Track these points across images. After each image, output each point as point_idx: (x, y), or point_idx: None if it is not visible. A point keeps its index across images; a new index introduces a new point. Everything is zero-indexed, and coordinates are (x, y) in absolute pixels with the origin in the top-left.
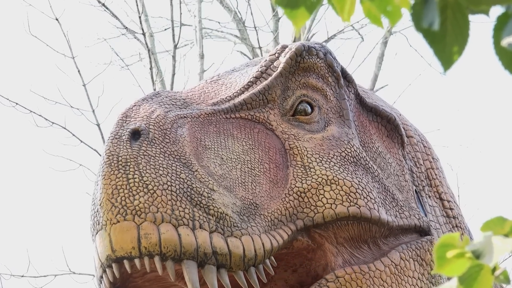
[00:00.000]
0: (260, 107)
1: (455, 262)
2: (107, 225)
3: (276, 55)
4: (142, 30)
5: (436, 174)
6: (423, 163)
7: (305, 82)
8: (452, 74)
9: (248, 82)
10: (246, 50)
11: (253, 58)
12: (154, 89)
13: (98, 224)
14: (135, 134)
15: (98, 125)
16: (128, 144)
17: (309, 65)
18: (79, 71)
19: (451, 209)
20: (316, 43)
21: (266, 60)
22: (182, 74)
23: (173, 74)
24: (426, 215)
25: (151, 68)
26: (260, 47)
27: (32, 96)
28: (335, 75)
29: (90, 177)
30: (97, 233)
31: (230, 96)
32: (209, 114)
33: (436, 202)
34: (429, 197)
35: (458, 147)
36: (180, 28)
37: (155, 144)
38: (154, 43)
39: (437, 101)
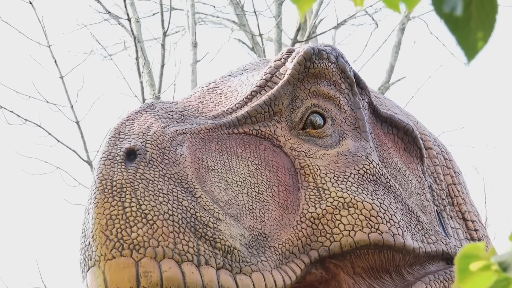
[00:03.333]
0: (265, 120)
1: (479, 275)
2: (101, 261)
3: (282, 60)
4: (127, 15)
5: (458, 191)
6: (444, 178)
7: (316, 90)
8: (478, 65)
9: (251, 91)
10: (245, 37)
11: (252, 47)
12: (141, 82)
13: (90, 260)
14: (130, 154)
15: (77, 122)
16: (123, 166)
17: (320, 71)
18: (55, 61)
19: (475, 230)
20: (326, 45)
21: (270, 67)
22: (172, 64)
23: (162, 65)
24: (448, 239)
25: (137, 58)
26: (260, 34)
27: (3, 90)
28: (348, 81)
29: (68, 181)
30: (88, 270)
31: (231, 108)
32: (210, 130)
33: (459, 223)
34: (451, 217)
35: (485, 147)
36: (170, 12)
37: (153, 166)
38: (141, 29)
39: (461, 96)
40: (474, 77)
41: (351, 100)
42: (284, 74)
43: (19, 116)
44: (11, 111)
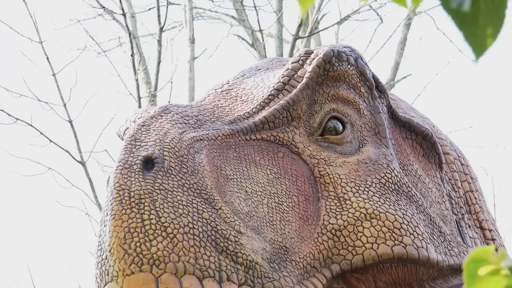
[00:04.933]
0: (283, 125)
1: (488, 280)
2: (119, 277)
3: (300, 62)
4: (122, 10)
5: (476, 198)
6: (461, 185)
7: (335, 94)
8: (487, 62)
9: (269, 95)
10: (244, 33)
11: (252, 43)
12: (136, 80)
13: (108, 275)
14: (148, 163)
15: (70, 121)
16: (140, 176)
17: (339, 74)
18: (48, 58)
19: (493, 240)
20: (344, 46)
21: (288, 69)
22: (169, 61)
23: (159, 62)
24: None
25: (132, 55)
26: (261, 30)
27: None
28: (368, 84)
29: (60, 183)
30: (105, 285)
31: (248, 113)
32: (227, 136)
33: (476, 233)
34: (469, 226)
35: (494, 147)
36: (167, 7)
37: (172, 175)
38: (136, 25)
39: (469, 94)
40: (482, 75)
41: (371, 104)
42: (303, 77)
43: (9, 115)
44: (2, 110)
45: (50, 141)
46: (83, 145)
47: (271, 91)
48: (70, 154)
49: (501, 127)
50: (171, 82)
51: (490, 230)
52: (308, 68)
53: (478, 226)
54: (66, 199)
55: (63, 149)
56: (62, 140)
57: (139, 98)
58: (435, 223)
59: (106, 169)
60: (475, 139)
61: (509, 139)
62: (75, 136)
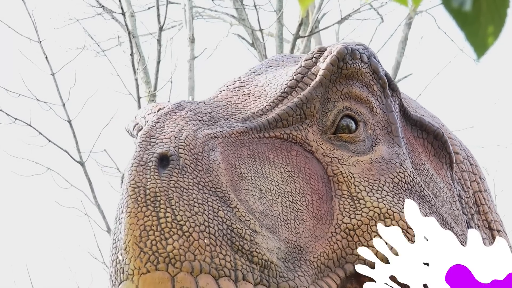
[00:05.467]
0: (296, 123)
1: None
2: (135, 275)
3: (313, 59)
4: (122, 9)
5: (484, 198)
6: (471, 185)
7: (348, 92)
8: (488, 61)
9: (282, 93)
10: (244, 32)
11: (252, 43)
12: (136, 79)
13: (123, 273)
14: (163, 160)
15: (69, 121)
16: (156, 173)
17: (353, 72)
18: (46, 57)
19: None
20: (357, 44)
21: (301, 66)
22: (168, 61)
23: (158, 61)
24: None
25: (132, 54)
26: (261, 29)
27: None
28: (380, 82)
29: (59, 183)
30: (120, 283)
31: (261, 110)
32: (241, 133)
33: (485, 233)
34: (478, 227)
35: (495, 147)
36: (167, 6)
37: (187, 173)
38: (136, 24)
39: (471, 93)
40: (484, 74)
41: (383, 102)
42: (316, 74)
43: (8, 115)
44: (0, 110)
45: (49, 141)
46: (82, 145)
47: (284, 89)
48: (69, 154)
49: (502, 127)
50: (171, 82)
51: (498, 231)
52: (322, 65)
53: (487, 226)
54: (65, 199)
55: (62, 149)
56: (61, 140)
57: (139, 97)
58: (447, 224)
59: (105, 169)
60: (477, 139)
61: (510, 139)
62: (74, 136)
